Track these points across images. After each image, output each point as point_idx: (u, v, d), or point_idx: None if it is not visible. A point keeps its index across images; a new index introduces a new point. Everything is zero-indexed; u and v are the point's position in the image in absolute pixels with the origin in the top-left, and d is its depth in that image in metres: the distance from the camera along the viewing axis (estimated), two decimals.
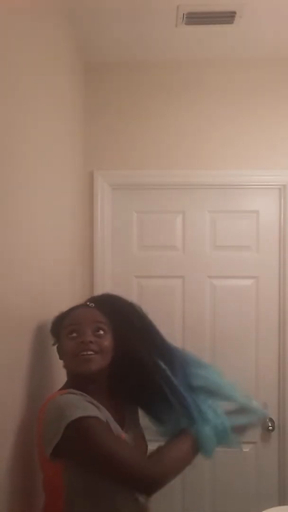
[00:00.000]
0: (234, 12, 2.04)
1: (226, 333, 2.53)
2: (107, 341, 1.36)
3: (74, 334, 1.34)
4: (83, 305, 1.45)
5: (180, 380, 1.38)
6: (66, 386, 1.37)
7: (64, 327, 1.37)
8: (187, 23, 2.12)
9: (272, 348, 2.52)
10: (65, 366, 1.40)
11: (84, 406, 1.21)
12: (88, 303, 1.45)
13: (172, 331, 2.52)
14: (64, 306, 1.95)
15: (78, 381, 1.34)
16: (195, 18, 2.09)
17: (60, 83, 1.97)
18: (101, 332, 1.36)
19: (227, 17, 2.08)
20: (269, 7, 2.02)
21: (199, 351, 2.50)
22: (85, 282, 2.46)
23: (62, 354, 1.39)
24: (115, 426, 1.30)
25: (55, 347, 1.43)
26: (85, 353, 1.31)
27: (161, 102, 2.51)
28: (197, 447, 1.30)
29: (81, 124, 2.43)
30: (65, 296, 2.02)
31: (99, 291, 2.48)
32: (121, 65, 2.51)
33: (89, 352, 1.31)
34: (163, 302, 2.52)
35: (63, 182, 2.03)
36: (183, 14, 2.05)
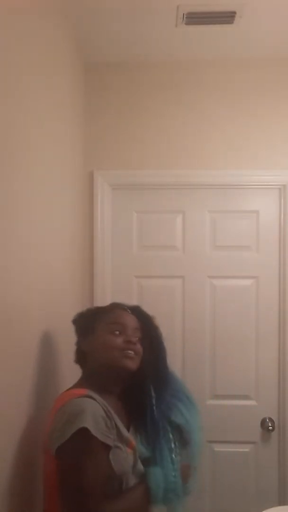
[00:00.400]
0: (234, 12, 2.04)
1: (226, 333, 2.53)
2: (140, 348, 1.43)
3: (117, 332, 1.40)
4: (121, 308, 1.50)
5: (162, 410, 1.44)
6: (85, 381, 1.40)
7: (107, 322, 1.42)
8: (187, 23, 2.12)
9: (272, 348, 2.52)
10: (92, 360, 1.42)
11: (97, 421, 1.22)
12: (124, 306, 1.50)
13: (172, 331, 2.52)
14: (64, 306, 1.96)
15: (103, 377, 1.39)
16: (195, 18, 2.09)
17: (60, 83, 1.97)
18: (138, 337, 1.44)
19: (227, 17, 2.08)
20: (269, 7, 2.02)
21: (199, 351, 2.52)
22: (85, 282, 2.46)
23: (95, 347, 1.41)
24: (123, 429, 1.33)
25: (76, 339, 1.46)
26: (130, 351, 1.38)
27: (161, 102, 2.51)
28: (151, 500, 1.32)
29: (81, 124, 2.43)
30: (65, 296, 2.02)
31: (99, 291, 2.49)
32: (121, 65, 2.51)
33: (132, 352, 1.39)
34: (163, 302, 2.52)
35: (63, 182, 2.03)
36: (183, 14, 2.05)
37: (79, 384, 1.41)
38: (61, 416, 1.23)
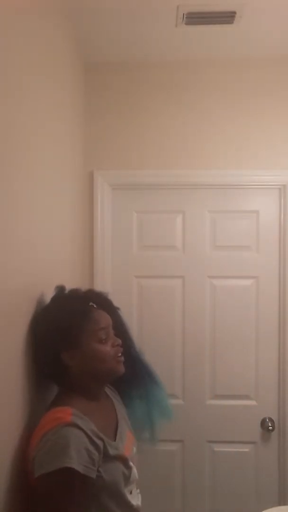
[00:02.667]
0: (234, 12, 2.04)
1: (226, 333, 2.53)
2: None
3: (104, 338, 1.38)
4: (94, 306, 1.44)
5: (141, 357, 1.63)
6: (68, 396, 1.35)
7: (91, 331, 1.37)
8: (187, 23, 2.12)
9: (272, 348, 2.52)
10: (79, 372, 1.37)
11: (81, 454, 1.19)
12: (91, 303, 1.45)
13: (172, 331, 2.52)
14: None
15: (90, 386, 1.39)
16: (195, 18, 2.09)
17: (60, 83, 1.97)
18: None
19: (227, 17, 2.08)
20: (269, 7, 2.02)
21: (199, 351, 2.53)
22: (85, 282, 2.46)
23: (83, 359, 1.36)
24: (110, 445, 1.31)
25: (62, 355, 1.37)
26: (120, 356, 1.40)
27: (161, 102, 2.51)
28: None
29: (81, 124, 2.43)
30: None
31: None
32: (121, 65, 2.51)
33: (121, 355, 1.42)
34: (163, 302, 2.53)
35: (63, 182, 2.03)
36: (183, 14, 2.05)
37: (63, 400, 1.34)
38: (45, 444, 1.19)
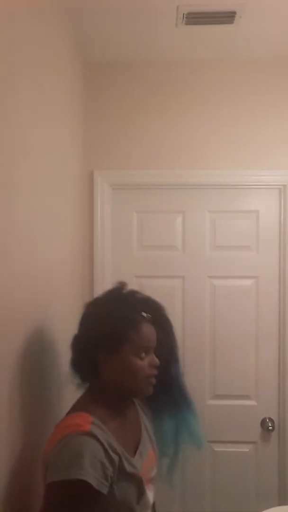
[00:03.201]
0: (234, 12, 2.04)
1: (226, 333, 2.53)
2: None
3: (143, 354, 1.30)
4: (141, 316, 1.35)
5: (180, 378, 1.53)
6: (93, 400, 1.30)
7: (135, 343, 1.29)
8: (187, 23, 2.12)
9: (272, 348, 2.52)
10: (109, 379, 1.30)
11: (95, 467, 1.13)
12: (144, 314, 1.36)
13: None
14: (64, 307, 1.96)
15: (116, 398, 1.32)
16: (195, 18, 2.09)
17: (60, 83, 1.97)
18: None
19: (227, 17, 2.08)
20: (269, 7, 2.01)
21: (199, 351, 2.52)
22: (85, 282, 2.46)
23: (118, 368, 1.30)
24: (128, 460, 1.24)
25: (98, 355, 1.31)
26: (153, 378, 1.32)
27: (161, 102, 2.51)
28: None
29: (81, 124, 2.43)
30: (65, 296, 2.02)
31: (99, 291, 2.48)
32: (121, 65, 2.51)
33: (154, 378, 1.33)
34: (163, 302, 2.52)
35: (63, 182, 2.03)
36: (183, 14, 2.05)
37: (86, 404, 1.29)
38: (59, 450, 1.15)
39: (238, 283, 2.54)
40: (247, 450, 2.52)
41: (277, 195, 2.53)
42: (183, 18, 2.08)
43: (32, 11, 1.53)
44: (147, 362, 1.31)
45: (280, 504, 2.38)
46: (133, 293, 1.44)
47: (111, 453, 1.18)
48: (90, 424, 1.18)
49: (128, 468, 1.23)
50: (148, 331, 1.34)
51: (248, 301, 2.54)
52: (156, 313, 1.43)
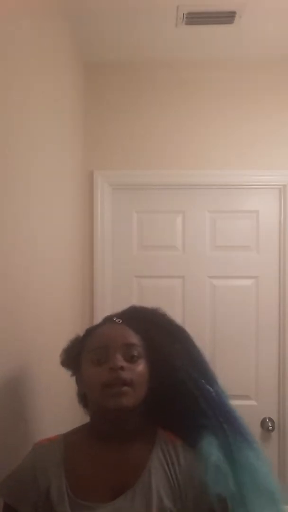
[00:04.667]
0: (234, 12, 2.04)
1: (226, 333, 2.53)
2: (141, 367, 1.08)
3: (100, 360, 1.06)
4: (109, 321, 1.17)
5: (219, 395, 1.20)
6: (86, 425, 1.15)
7: (87, 351, 1.09)
8: (187, 23, 2.12)
9: (272, 348, 2.52)
10: (87, 402, 1.13)
11: (15, 480, 1.07)
12: (115, 319, 1.17)
13: None
14: (64, 307, 1.96)
15: (101, 419, 1.09)
16: (195, 18, 2.09)
17: (60, 83, 1.97)
18: (134, 355, 1.08)
19: (227, 17, 2.08)
20: (269, 7, 2.01)
21: None
22: (85, 282, 2.46)
23: (82, 386, 1.12)
24: (63, 493, 1.03)
25: (73, 378, 1.16)
26: (115, 384, 1.03)
27: (161, 102, 2.51)
28: None
29: (81, 124, 2.43)
30: (65, 296, 2.02)
31: (99, 290, 2.49)
32: (121, 65, 2.51)
33: (118, 386, 1.03)
34: (163, 302, 2.50)
35: (63, 182, 2.03)
36: (183, 14, 2.05)
37: (78, 426, 1.17)
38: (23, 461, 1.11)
39: (238, 283, 2.54)
40: None
41: (277, 195, 2.53)
42: (183, 18, 2.08)
43: (33, 11, 1.53)
44: (106, 367, 1.05)
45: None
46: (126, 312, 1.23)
47: (39, 476, 1.04)
48: (45, 441, 1.12)
49: (57, 504, 1.00)
50: (104, 331, 1.12)
51: (248, 301, 2.54)
52: (141, 315, 1.22)
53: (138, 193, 2.56)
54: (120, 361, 1.05)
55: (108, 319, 1.18)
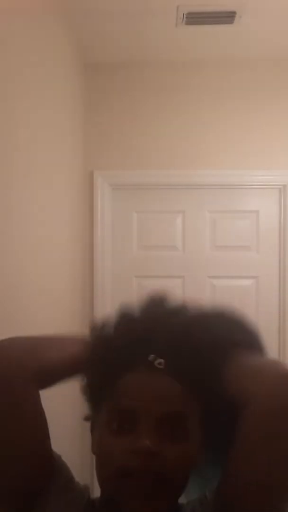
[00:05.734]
0: (234, 12, 2.04)
1: None
2: (187, 448, 0.66)
3: (123, 426, 0.65)
4: (143, 365, 0.68)
5: None
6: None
7: (109, 403, 0.68)
8: (187, 23, 2.12)
9: (272, 349, 2.51)
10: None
11: None
12: (151, 358, 0.68)
13: None
14: (64, 307, 1.96)
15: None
16: (195, 18, 2.09)
17: (60, 83, 1.97)
18: (178, 432, 0.66)
19: (227, 17, 2.08)
20: (269, 7, 2.01)
21: None
22: (85, 282, 2.46)
23: (95, 442, 0.70)
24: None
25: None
26: (130, 472, 0.63)
27: (161, 102, 2.51)
28: None
29: (81, 124, 2.43)
30: (65, 296, 2.02)
31: (99, 290, 2.48)
32: (121, 65, 2.51)
33: (148, 478, 0.63)
34: None
35: (63, 182, 2.03)
36: (183, 14, 2.05)
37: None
38: None
39: (238, 283, 2.54)
40: None
41: (277, 195, 2.53)
42: (183, 18, 2.08)
43: (33, 12, 1.53)
44: (127, 442, 0.64)
45: None
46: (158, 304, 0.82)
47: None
48: None
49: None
50: (135, 384, 0.67)
51: (248, 301, 2.53)
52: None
53: (138, 193, 2.56)
54: (152, 440, 0.63)
55: (134, 347, 0.71)
